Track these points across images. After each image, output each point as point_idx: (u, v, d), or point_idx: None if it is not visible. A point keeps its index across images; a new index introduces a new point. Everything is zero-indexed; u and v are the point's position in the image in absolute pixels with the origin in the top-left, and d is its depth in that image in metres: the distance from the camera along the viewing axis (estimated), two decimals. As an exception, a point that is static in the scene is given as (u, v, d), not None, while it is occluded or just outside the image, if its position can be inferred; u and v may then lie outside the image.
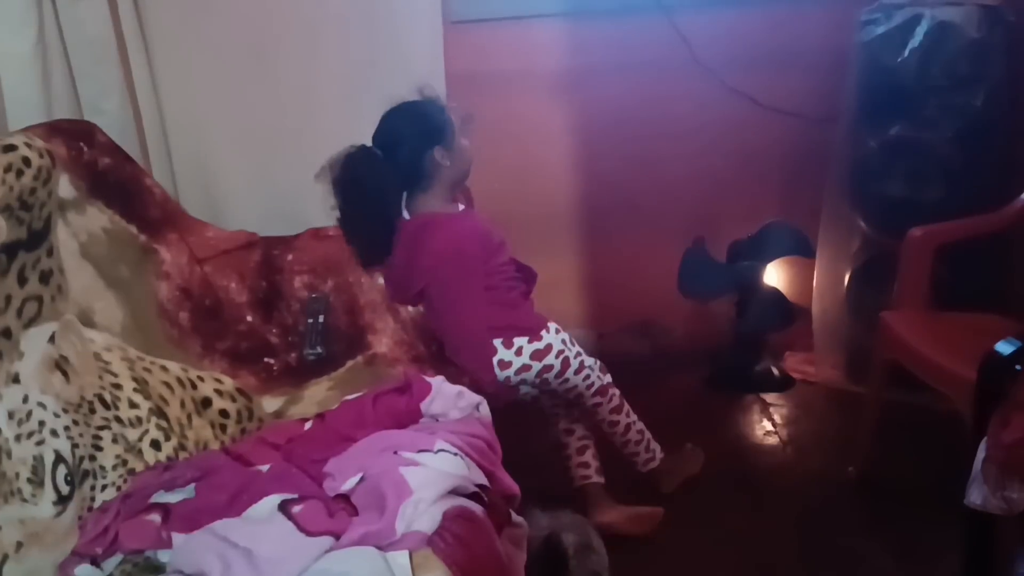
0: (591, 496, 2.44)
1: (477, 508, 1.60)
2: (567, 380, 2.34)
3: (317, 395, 2.15)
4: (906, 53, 2.66)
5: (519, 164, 3.13)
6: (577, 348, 2.38)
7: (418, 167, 2.24)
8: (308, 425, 1.88)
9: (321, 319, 2.35)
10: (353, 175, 2.19)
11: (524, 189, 3.17)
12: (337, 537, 1.40)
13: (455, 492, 1.61)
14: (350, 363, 2.29)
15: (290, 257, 2.41)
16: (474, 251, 2.25)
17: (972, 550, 1.97)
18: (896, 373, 2.43)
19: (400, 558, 1.40)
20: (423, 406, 1.88)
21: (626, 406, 2.46)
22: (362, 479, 1.59)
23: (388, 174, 2.22)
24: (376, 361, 2.28)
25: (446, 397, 1.91)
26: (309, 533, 1.39)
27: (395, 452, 1.69)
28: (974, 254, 2.58)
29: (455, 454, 1.75)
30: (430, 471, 1.61)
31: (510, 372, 2.27)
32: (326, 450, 1.75)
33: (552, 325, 2.35)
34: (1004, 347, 1.81)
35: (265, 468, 1.66)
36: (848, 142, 2.88)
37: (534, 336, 2.29)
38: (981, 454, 1.79)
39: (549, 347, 2.29)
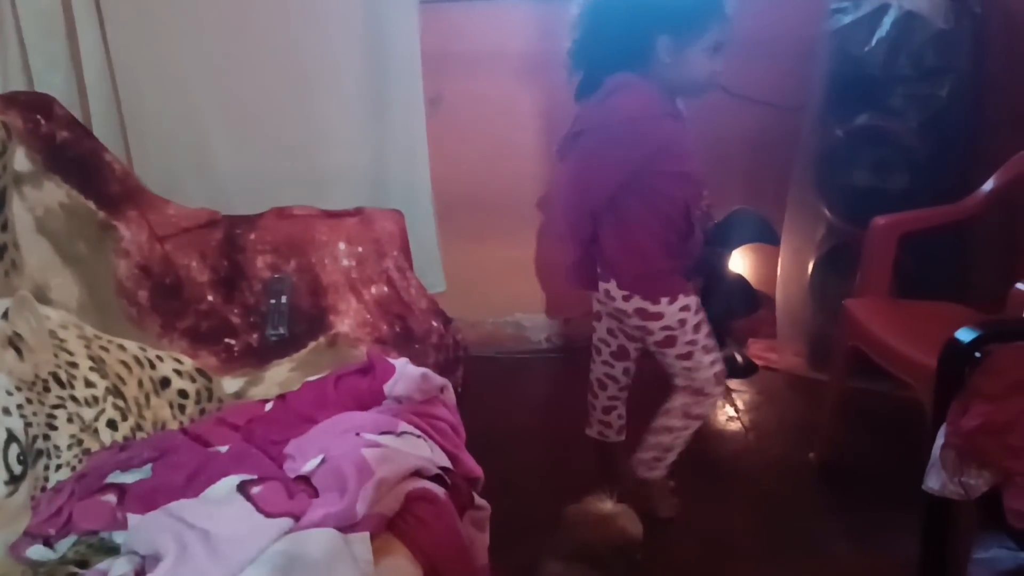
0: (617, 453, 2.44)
1: (439, 490, 1.59)
2: (665, 355, 2.23)
3: (278, 376, 2.12)
4: (873, 43, 2.67)
5: (489, 146, 3.12)
6: (697, 336, 2.21)
7: (640, 42, 2.04)
8: (269, 406, 1.85)
9: (284, 299, 2.32)
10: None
11: (493, 171, 3.15)
12: (297, 518, 1.38)
13: (418, 474, 1.60)
14: (312, 344, 2.26)
15: (253, 236, 2.36)
16: (685, 159, 2.10)
17: (929, 535, 1.99)
18: (858, 361, 2.45)
19: (361, 540, 1.39)
20: (386, 388, 1.86)
21: (694, 424, 2.31)
22: (323, 461, 1.57)
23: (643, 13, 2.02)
24: (339, 342, 2.25)
25: (410, 379, 1.89)
26: (268, 514, 1.36)
27: (357, 434, 1.67)
28: (936, 244, 2.61)
29: (418, 436, 1.74)
30: (392, 453, 1.59)
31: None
32: (287, 431, 1.73)
33: (689, 299, 2.18)
34: (964, 335, 1.82)
35: (224, 449, 1.63)
36: (815, 130, 2.90)
37: (673, 297, 2.15)
38: (940, 440, 1.81)
39: (660, 315, 2.16)
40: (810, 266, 3.03)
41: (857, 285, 2.52)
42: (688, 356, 2.20)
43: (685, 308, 2.16)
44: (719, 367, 2.25)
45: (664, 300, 2.14)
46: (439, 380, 1.96)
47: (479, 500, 1.77)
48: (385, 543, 1.43)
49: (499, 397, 2.92)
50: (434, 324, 2.41)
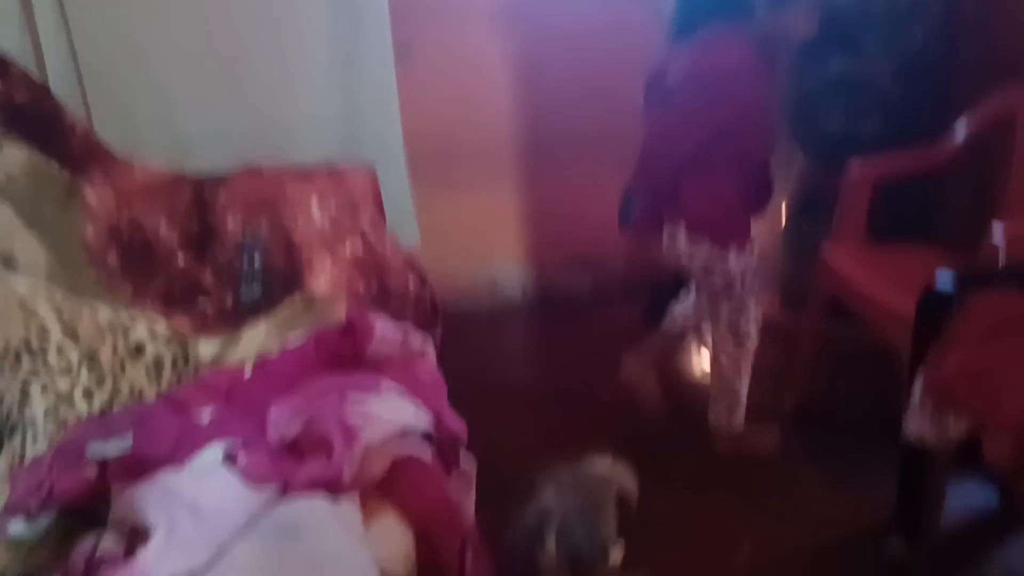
0: None
1: (426, 451, 1.59)
2: (719, 299, 2.30)
3: (255, 338, 2.08)
4: (847, -13, 2.64)
5: (460, 95, 3.07)
6: (752, 285, 2.29)
7: None
8: (248, 371, 1.82)
9: (257, 259, 2.27)
10: None
11: (464, 121, 3.10)
12: (284, 485, 1.36)
13: (403, 435, 1.59)
14: (288, 304, 2.22)
15: (222, 195, 2.30)
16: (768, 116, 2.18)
17: (906, 479, 2.03)
18: (833, 306, 2.47)
19: (350, 504, 1.38)
20: (367, 347, 1.84)
21: (747, 370, 2.39)
22: (307, 424, 1.56)
23: None
24: (315, 301, 2.21)
25: (390, 338, 1.87)
26: (255, 482, 1.35)
27: (340, 396, 1.66)
28: (909, 187, 2.61)
29: (402, 396, 1.72)
30: (377, 415, 1.58)
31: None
32: (268, 396, 1.70)
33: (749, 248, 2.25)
34: (942, 282, 1.84)
35: (205, 416, 1.61)
36: (790, 76, 2.87)
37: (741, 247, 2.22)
38: (919, 387, 1.84)
39: (725, 263, 2.23)
40: (783, 212, 3.03)
41: (833, 230, 2.52)
42: (742, 307, 2.28)
43: (748, 262, 2.23)
44: (760, 311, 2.34)
45: (733, 250, 2.20)
46: (419, 338, 1.94)
47: (464, 458, 1.77)
48: (374, 506, 1.43)
49: (477, 351, 2.91)
50: (411, 281, 2.38)
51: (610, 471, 2.02)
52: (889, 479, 2.13)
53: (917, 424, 1.82)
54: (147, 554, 1.13)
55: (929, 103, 2.69)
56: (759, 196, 2.26)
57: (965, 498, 2.21)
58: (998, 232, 1.96)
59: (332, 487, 1.40)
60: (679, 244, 2.22)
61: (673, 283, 3.21)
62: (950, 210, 2.76)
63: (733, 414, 2.41)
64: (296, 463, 1.46)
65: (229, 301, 2.22)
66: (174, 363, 1.92)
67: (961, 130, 2.47)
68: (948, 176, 2.60)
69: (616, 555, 1.97)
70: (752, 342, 2.34)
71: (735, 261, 2.20)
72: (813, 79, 2.81)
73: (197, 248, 2.25)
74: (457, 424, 1.82)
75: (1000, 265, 1.98)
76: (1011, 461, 1.59)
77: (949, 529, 2.13)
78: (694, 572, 2.02)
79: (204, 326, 2.14)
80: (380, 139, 2.89)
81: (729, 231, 2.20)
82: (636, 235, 2.36)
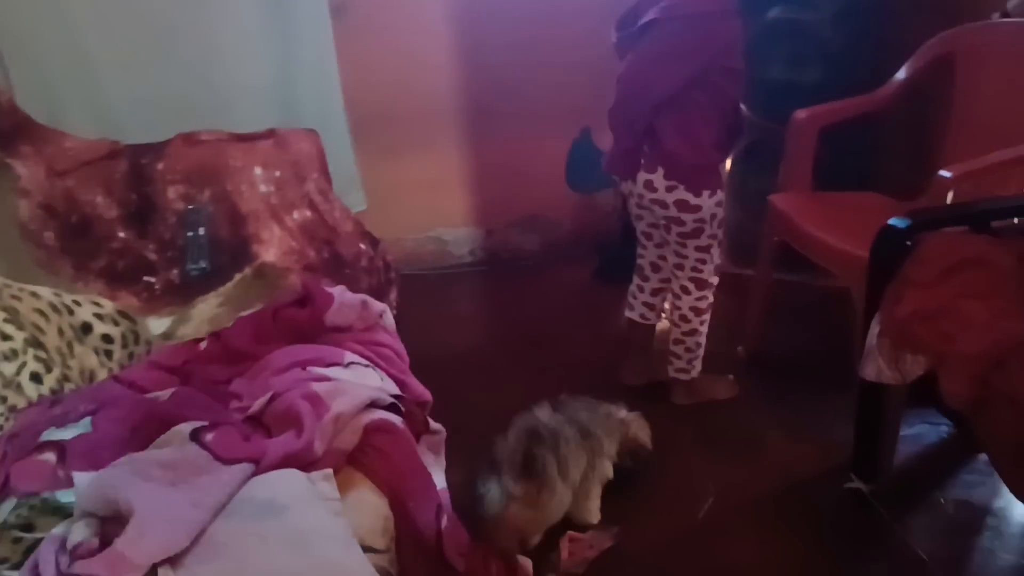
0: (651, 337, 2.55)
1: (396, 419, 1.56)
2: (687, 244, 2.27)
3: (206, 312, 2.03)
4: (784, -67, 2.64)
5: (399, 55, 2.99)
6: (718, 230, 2.27)
7: None
8: (203, 345, 1.77)
9: (201, 231, 2.20)
10: None
11: (404, 82, 3.03)
12: (256, 462, 1.33)
13: (372, 405, 1.56)
14: (238, 276, 2.16)
15: (160, 166, 2.23)
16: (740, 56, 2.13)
17: (864, 419, 2.08)
18: (782, 254, 2.50)
19: (324, 478, 1.35)
20: (326, 318, 1.80)
21: (707, 316, 2.38)
22: (272, 398, 1.52)
23: None
24: (266, 272, 2.16)
25: (349, 307, 1.84)
26: (226, 461, 1.31)
27: (303, 368, 1.62)
28: (849, 134, 2.64)
29: (366, 365, 1.70)
30: (344, 385, 1.55)
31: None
32: (228, 370, 1.67)
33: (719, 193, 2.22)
34: (896, 224, 1.86)
35: (164, 395, 1.55)
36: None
37: (713, 191, 2.19)
38: (875, 329, 1.87)
39: (698, 207, 2.19)
40: (729, 163, 3.04)
41: (780, 179, 2.54)
42: (707, 249, 2.27)
43: (719, 204, 2.21)
44: (720, 259, 2.34)
45: (705, 193, 2.18)
46: (378, 306, 1.91)
47: (433, 424, 1.75)
48: (348, 478, 1.41)
49: (429, 315, 2.87)
50: (362, 247, 2.34)
51: (625, 417, 2.12)
52: (844, 418, 2.17)
53: (875, 365, 1.86)
54: (125, 542, 1.08)
55: (867, 49, 2.71)
56: (731, 139, 2.24)
57: (916, 431, 2.27)
58: (946, 173, 1.99)
59: (305, 461, 1.37)
60: (654, 188, 2.20)
61: (622, 239, 3.23)
62: (891, 156, 2.80)
63: (693, 362, 2.42)
64: (266, 439, 1.42)
65: (176, 276, 2.16)
66: (124, 342, 1.85)
67: (899, 75, 2.50)
68: (888, 122, 2.63)
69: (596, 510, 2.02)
70: (712, 292, 2.35)
71: (707, 204, 2.18)
72: (753, 27, 2.81)
73: (138, 222, 2.18)
74: (422, 391, 1.81)
75: (948, 204, 2.01)
76: (967, 396, 1.63)
77: (904, 464, 2.19)
78: (661, 523, 2.04)
79: (152, 303, 2.08)
80: (320, 104, 2.81)
81: (704, 174, 2.18)
82: (612, 173, 2.32)
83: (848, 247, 2.16)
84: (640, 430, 2.14)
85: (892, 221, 1.87)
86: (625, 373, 2.53)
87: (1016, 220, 2.08)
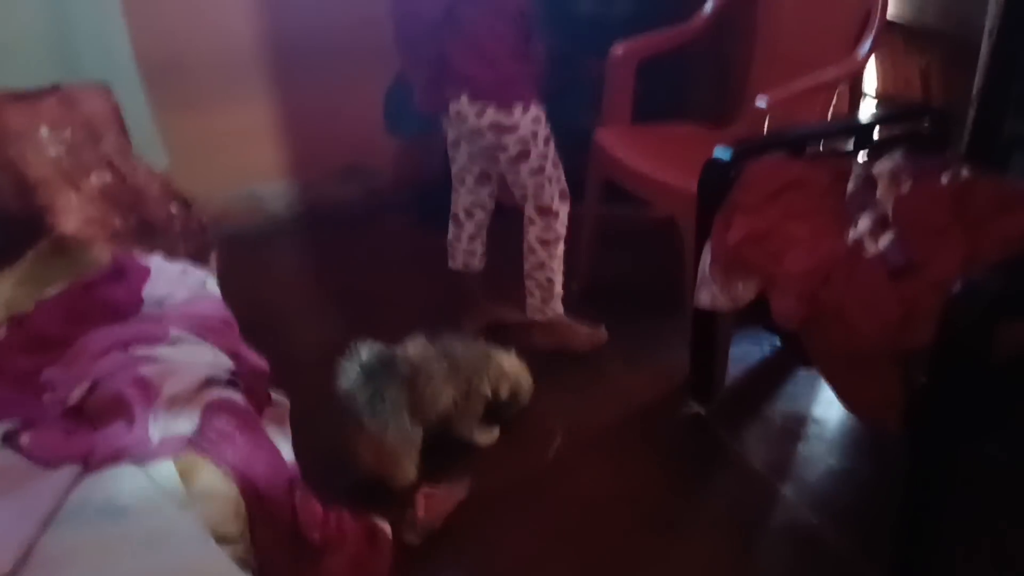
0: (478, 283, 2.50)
1: (236, 396, 1.46)
2: (519, 170, 2.19)
3: (1, 295, 1.81)
4: None
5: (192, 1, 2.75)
6: (547, 149, 2.19)
7: None
8: (1, 333, 1.58)
9: (-17, 204, 1.95)
10: None
11: (196, 26, 2.81)
12: (84, 461, 1.19)
13: (207, 383, 1.44)
14: (32, 253, 1.93)
15: (-76, 133, 1.95)
16: None
17: (698, 345, 2.15)
18: (608, 189, 2.53)
19: (164, 469, 1.24)
20: (144, 292, 1.65)
21: (557, 249, 2.31)
22: (93, 386, 1.37)
23: None
24: (67, 245, 1.94)
25: (169, 277, 1.70)
26: (48, 463, 1.17)
27: (125, 349, 1.48)
28: (660, 67, 2.69)
29: (195, 340, 1.57)
30: (174, 365, 1.43)
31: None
32: (36, 359, 1.49)
33: (540, 110, 2.15)
34: (721, 156, 1.91)
35: (-38, 395, 1.37)
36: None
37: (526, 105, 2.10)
38: (707, 257, 1.92)
39: (515, 126, 2.11)
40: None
41: (602, 115, 2.56)
42: (540, 170, 2.20)
43: (536, 119, 2.14)
44: (564, 183, 2.27)
45: (518, 109, 2.10)
46: (200, 273, 1.78)
47: (275, 395, 1.65)
48: (190, 465, 1.29)
49: (251, 277, 2.71)
50: (173, 209, 2.16)
51: (507, 361, 2.12)
52: (678, 343, 2.26)
53: (708, 292, 1.91)
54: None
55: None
56: (527, 45, 2.15)
57: (742, 350, 2.38)
58: (762, 101, 2.06)
59: (140, 454, 1.25)
60: (465, 117, 2.13)
61: (443, 184, 3.16)
62: (701, 85, 2.89)
63: (548, 302, 2.39)
64: (91, 432, 1.28)
65: (-43, 257, 1.90)
66: (-96, 338, 1.62)
67: (707, 7, 2.56)
68: (697, 52, 2.69)
69: (485, 438, 2.09)
70: (560, 223, 2.29)
71: (523, 120, 2.12)
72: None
73: (-97, 199, 1.90)
74: (258, 360, 1.69)
75: (765, 132, 2.09)
76: (798, 315, 1.71)
77: (734, 383, 2.31)
78: (513, 467, 2.04)
79: (-68, 290, 1.83)
80: (107, 56, 2.55)
81: (509, 88, 2.10)
82: (424, 110, 2.23)
83: (673, 180, 2.21)
84: (523, 378, 2.15)
85: (717, 153, 1.92)
86: (463, 318, 2.49)
87: (823, 145, 2.21)
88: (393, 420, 1.86)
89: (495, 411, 2.09)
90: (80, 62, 2.50)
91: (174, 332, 1.56)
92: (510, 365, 2.12)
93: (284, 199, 3.19)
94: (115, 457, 1.22)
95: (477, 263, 2.50)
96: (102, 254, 1.84)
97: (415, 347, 2.00)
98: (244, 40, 2.90)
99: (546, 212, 2.26)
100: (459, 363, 2.01)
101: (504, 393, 2.08)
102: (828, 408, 2.19)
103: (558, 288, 2.37)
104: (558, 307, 2.39)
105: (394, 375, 1.90)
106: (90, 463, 1.20)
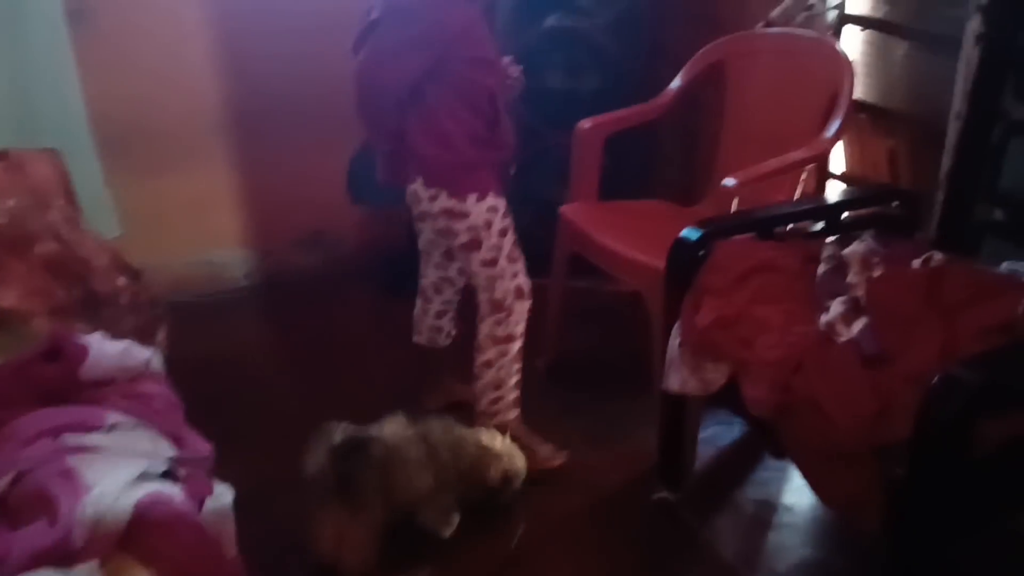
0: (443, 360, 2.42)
1: (173, 490, 1.35)
2: (470, 260, 2.09)
3: (-73, 372, 1.70)
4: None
5: (153, 63, 2.71)
6: (501, 241, 2.08)
7: None
8: (-77, 416, 1.47)
9: (-83, 274, 1.86)
10: None
11: (158, 93, 2.76)
12: (-2, 565, 1.09)
13: (142, 476, 1.34)
14: (-34, 326, 1.84)
15: None
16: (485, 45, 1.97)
17: (668, 428, 2.08)
18: (574, 265, 2.49)
19: (88, 573, 1.13)
20: (80, 372, 1.55)
21: (510, 347, 2.15)
22: (17, 478, 1.27)
23: None
24: (4, 319, 1.85)
25: (108, 357, 1.60)
26: (-45, 569, 1.06)
27: (55, 436, 1.38)
28: (627, 142, 2.67)
29: (134, 426, 1.47)
30: (107, 455, 1.33)
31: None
32: (-44, 446, 1.38)
33: (498, 200, 2.06)
34: (689, 236, 1.87)
35: None
36: (507, 33, 2.83)
37: (482, 194, 2.02)
38: (676, 340, 1.87)
39: (467, 214, 2.03)
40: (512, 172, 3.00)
41: (570, 190, 2.53)
42: (492, 263, 2.07)
43: (492, 209, 2.03)
44: (523, 280, 2.13)
45: (471, 198, 2.00)
46: (143, 352, 1.68)
47: (217, 485, 1.54)
48: (120, 567, 1.18)
49: (205, 348, 2.62)
50: (121, 281, 2.07)
51: (496, 441, 2.03)
52: (647, 423, 2.18)
53: (678, 376, 1.85)
54: None
55: (642, 57, 2.77)
56: (491, 132, 2.03)
57: (711, 432, 2.31)
58: (730, 182, 2.03)
59: (62, 556, 1.14)
60: (420, 199, 2.06)
61: (410, 251, 3.10)
62: (668, 162, 2.88)
63: (498, 404, 2.18)
64: (9, 531, 1.18)
65: None
66: None
67: (674, 83, 2.55)
68: (665, 129, 2.68)
69: (446, 527, 1.98)
70: (514, 322, 2.13)
71: (477, 208, 2.02)
72: (531, 35, 2.79)
73: None
74: (202, 446, 1.59)
75: (733, 211, 2.06)
76: (770, 402, 1.65)
77: (704, 467, 2.24)
78: (473, 559, 1.94)
79: None
80: (59, 120, 2.50)
81: (463, 175, 2.01)
82: (384, 182, 2.15)
83: (641, 257, 2.17)
84: (517, 460, 2.05)
85: (685, 232, 1.88)
86: (424, 396, 2.41)
87: (791, 226, 2.18)
88: (362, 505, 1.78)
89: (487, 499, 1.99)
90: (31, 127, 2.44)
91: (111, 417, 1.46)
92: (500, 445, 2.03)
93: (244, 267, 3.11)
94: (33, 561, 1.11)
95: (442, 340, 2.40)
96: (41, 329, 1.74)
97: (392, 427, 1.91)
98: (206, 105, 2.85)
99: (498, 307, 2.11)
100: (437, 448, 1.91)
101: (495, 476, 1.98)
102: (800, 495, 2.12)
103: (510, 395, 2.19)
104: (509, 415, 2.19)
105: (367, 459, 1.81)
106: (4, 567, 1.09)
